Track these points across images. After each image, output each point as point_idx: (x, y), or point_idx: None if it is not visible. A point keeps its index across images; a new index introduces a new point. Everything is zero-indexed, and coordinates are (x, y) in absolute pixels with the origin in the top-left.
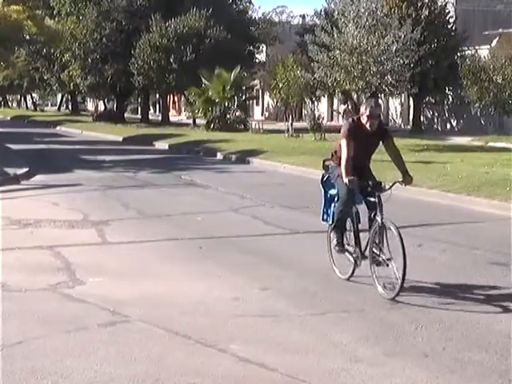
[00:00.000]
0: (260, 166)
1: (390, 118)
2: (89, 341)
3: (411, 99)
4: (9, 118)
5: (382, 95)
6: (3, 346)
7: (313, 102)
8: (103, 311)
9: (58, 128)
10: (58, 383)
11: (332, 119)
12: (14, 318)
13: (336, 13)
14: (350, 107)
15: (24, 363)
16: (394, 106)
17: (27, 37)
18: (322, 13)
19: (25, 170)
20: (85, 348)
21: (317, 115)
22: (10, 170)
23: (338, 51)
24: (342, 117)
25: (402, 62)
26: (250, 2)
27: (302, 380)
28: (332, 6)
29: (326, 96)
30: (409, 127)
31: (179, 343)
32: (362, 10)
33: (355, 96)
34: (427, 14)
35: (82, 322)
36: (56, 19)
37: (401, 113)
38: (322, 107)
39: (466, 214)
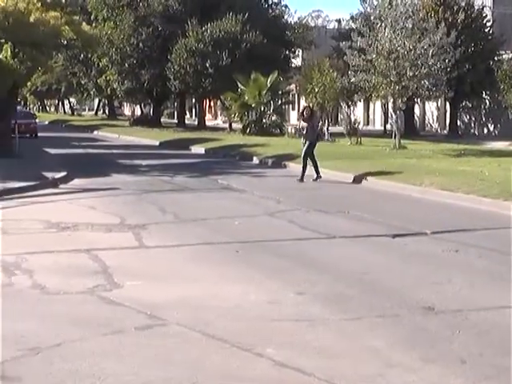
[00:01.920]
0: (296, 171)
1: (427, 122)
2: (126, 344)
3: (448, 104)
4: (47, 123)
5: (419, 99)
6: (42, 348)
7: (349, 107)
8: (140, 314)
9: (95, 132)
10: None
11: (368, 124)
12: (53, 320)
13: (372, 17)
14: (313, 124)
15: (62, 365)
16: (431, 111)
17: (65, 42)
18: (359, 17)
19: (63, 173)
20: (122, 351)
21: (353, 120)
22: (49, 174)
23: (374, 55)
24: (303, 135)
25: (438, 66)
26: (286, 7)
27: None
28: (368, 10)
29: (362, 100)
30: (445, 132)
31: (215, 347)
32: (399, 14)
33: (391, 100)
34: (464, 17)
35: (119, 325)
36: (93, 25)
37: (437, 117)
38: (358, 112)
39: (503, 219)
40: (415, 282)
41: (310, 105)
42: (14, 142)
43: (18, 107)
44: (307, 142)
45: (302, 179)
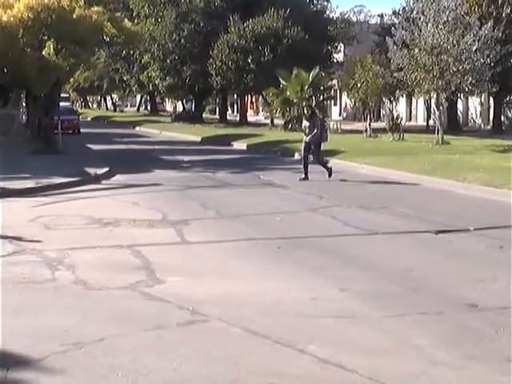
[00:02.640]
0: (338, 167)
1: (470, 118)
2: (168, 340)
3: (491, 99)
4: (89, 119)
5: (462, 95)
6: (85, 342)
7: (391, 102)
8: (182, 310)
9: (137, 128)
10: (137, 381)
11: (411, 119)
12: (95, 315)
13: (415, 11)
14: (315, 123)
15: (104, 360)
16: (474, 106)
17: (107, 39)
18: (401, 12)
19: (105, 169)
20: (163, 347)
21: (395, 115)
22: (91, 170)
23: (417, 50)
24: (305, 133)
25: (482, 61)
26: (328, 1)
27: (381, 382)
28: (411, 4)
29: (404, 96)
30: (489, 127)
31: (258, 343)
32: (442, 9)
33: (434, 95)
34: (509, 11)
35: (161, 320)
36: (135, 21)
37: (481, 113)
38: (401, 107)
39: None
40: (459, 279)
41: (311, 104)
42: (57, 138)
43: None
44: (310, 141)
45: (330, 174)
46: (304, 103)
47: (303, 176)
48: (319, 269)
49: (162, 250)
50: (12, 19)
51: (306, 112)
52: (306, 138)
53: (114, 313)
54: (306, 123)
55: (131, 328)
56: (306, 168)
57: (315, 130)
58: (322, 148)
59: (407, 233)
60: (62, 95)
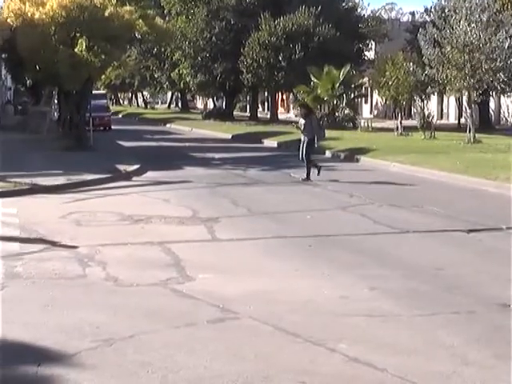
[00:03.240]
0: (369, 165)
1: (502, 116)
2: (198, 337)
3: None
4: (120, 116)
5: (494, 93)
6: (115, 339)
7: (422, 100)
8: (212, 308)
9: (167, 125)
10: (167, 378)
11: (442, 117)
12: (125, 312)
13: (447, 9)
14: (312, 122)
15: (135, 357)
16: (506, 104)
17: (139, 36)
18: (433, 9)
19: (136, 166)
20: (194, 344)
21: (426, 113)
22: (122, 167)
23: (449, 48)
24: (301, 131)
25: None
26: None
27: (411, 382)
28: (443, 2)
29: (435, 94)
30: None
31: (288, 341)
32: (474, 6)
33: (466, 93)
34: None
35: (192, 317)
36: (166, 19)
37: None
38: (432, 105)
39: None
40: (490, 278)
41: (307, 102)
42: (88, 134)
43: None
44: (306, 139)
45: (307, 176)
46: (298, 103)
47: (305, 176)
48: (350, 267)
49: (193, 247)
50: (44, 17)
51: (300, 111)
52: (303, 137)
53: (144, 309)
54: (301, 122)
55: (162, 325)
56: (308, 169)
57: (315, 127)
58: (315, 147)
59: (439, 231)
60: (99, 92)
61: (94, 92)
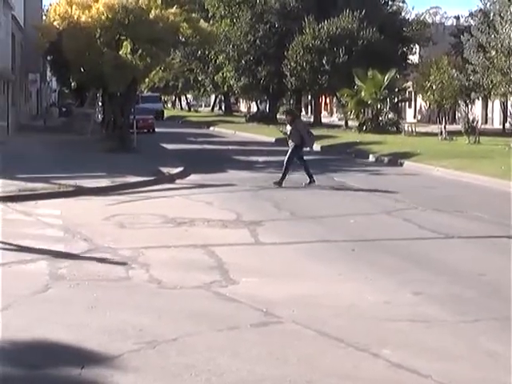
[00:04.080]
0: (412, 169)
1: None
2: (241, 340)
3: None
4: (164, 119)
5: None
6: (159, 341)
7: (467, 105)
8: (256, 311)
9: (211, 128)
10: (210, 381)
11: (486, 122)
12: (169, 314)
13: (492, 13)
14: (297, 128)
15: (178, 359)
16: None
17: (183, 39)
18: (478, 13)
19: (179, 169)
20: (237, 347)
21: (471, 118)
22: (165, 169)
23: (493, 52)
24: (288, 138)
25: None
26: (404, 2)
27: None
28: (488, 6)
29: (480, 98)
30: None
31: (331, 345)
32: None
33: (511, 98)
34: None
35: (235, 321)
36: (211, 22)
37: None
38: (477, 110)
39: None
40: None
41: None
42: (132, 137)
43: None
44: (292, 145)
45: (280, 183)
46: (286, 108)
47: (308, 181)
48: (394, 272)
49: (236, 250)
50: (90, 19)
51: (286, 117)
52: (290, 144)
53: (187, 312)
54: (288, 128)
55: (205, 328)
56: (308, 172)
57: (301, 133)
58: (300, 154)
59: (483, 237)
60: (152, 94)
61: (146, 94)
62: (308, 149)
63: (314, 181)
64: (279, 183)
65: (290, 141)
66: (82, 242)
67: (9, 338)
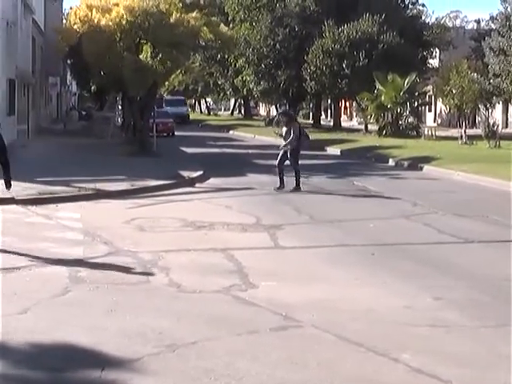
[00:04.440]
0: (432, 173)
1: None
2: (260, 344)
3: None
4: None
5: None
6: (178, 345)
7: (487, 109)
8: (275, 315)
9: (230, 132)
10: None
11: (507, 126)
12: (189, 318)
13: None
14: (293, 131)
15: (197, 363)
16: None
17: (203, 43)
18: (498, 17)
19: (199, 173)
20: (256, 351)
21: (491, 122)
22: (185, 173)
23: None
24: (285, 139)
25: None
26: (424, 6)
27: None
28: (509, 10)
29: (501, 102)
30: None
31: (351, 350)
32: None
33: None
34: None
35: (254, 325)
36: (230, 25)
37: None
38: (497, 114)
39: None
40: None
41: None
42: (152, 140)
43: (184, 108)
44: (288, 149)
45: (297, 188)
46: (282, 110)
47: (278, 185)
48: (413, 276)
49: (256, 254)
50: (110, 23)
51: (281, 119)
52: (282, 146)
53: (207, 316)
54: (283, 130)
55: (224, 332)
56: (281, 176)
57: (290, 138)
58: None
59: (504, 241)
60: (177, 97)
61: (171, 98)
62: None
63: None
64: (296, 189)
65: (284, 144)
66: (102, 246)
67: (29, 340)
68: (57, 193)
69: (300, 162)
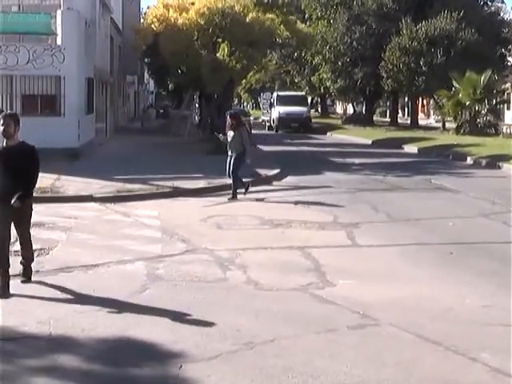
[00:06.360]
0: (510, 172)
1: None
2: (338, 343)
3: None
4: (260, 120)
5: None
6: (256, 343)
7: None
8: (353, 314)
9: None
10: (307, 383)
11: None
12: (266, 316)
13: None
14: (241, 135)
15: (275, 361)
16: None
17: (279, 40)
18: None
19: (276, 171)
20: (334, 350)
21: None
22: (262, 171)
23: None
24: (228, 145)
25: None
26: (503, 3)
27: None
28: None
29: None
30: None
31: (429, 349)
32: None
33: None
34: None
35: (332, 323)
36: (307, 23)
37: None
38: None
39: None
40: None
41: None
42: None
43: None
44: (234, 154)
45: (233, 197)
46: (230, 112)
47: (231, 195)
48: (492, 275)
49: (333, 252)
50: (187, 22)
51: (230, 122)
52: (230, 152)
53: (285, 314)
54: (230, 134)
55: (302, 330)
56: (239, 180)
57: (246, 139)
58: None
59: None
60: (295, 94)
61: (285, 93)
62: (248, 161)
63: (236, 198)
64: (232, 198)
65: (230, 150)
66: (180, 243)
67: (107, 337)
68: (134, 190)
69: (377, 161)
